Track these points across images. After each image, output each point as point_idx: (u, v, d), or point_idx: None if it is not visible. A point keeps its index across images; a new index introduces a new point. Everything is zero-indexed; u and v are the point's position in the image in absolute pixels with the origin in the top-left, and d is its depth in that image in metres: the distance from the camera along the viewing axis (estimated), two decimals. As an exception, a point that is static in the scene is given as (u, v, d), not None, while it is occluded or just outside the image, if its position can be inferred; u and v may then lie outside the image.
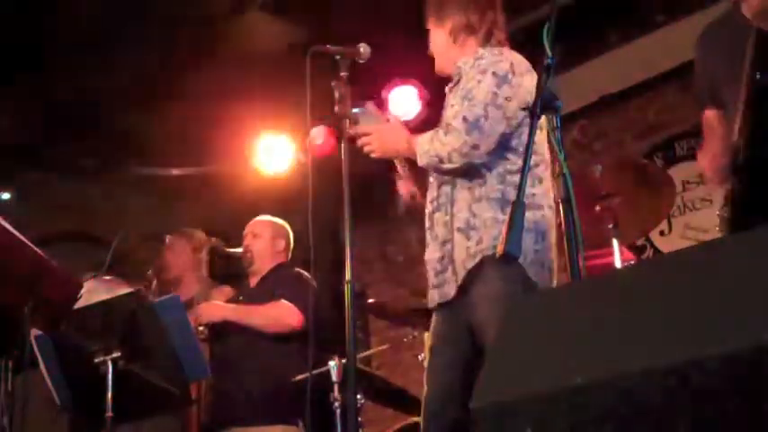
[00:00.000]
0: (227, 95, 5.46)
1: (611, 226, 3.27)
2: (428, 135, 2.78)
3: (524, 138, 2.62)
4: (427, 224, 2.87)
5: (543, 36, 2.07)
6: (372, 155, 2.89)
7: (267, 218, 4.51)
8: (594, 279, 2.06)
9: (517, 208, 1.99)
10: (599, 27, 5.24)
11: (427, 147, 2.75)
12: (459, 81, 2.87)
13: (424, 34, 3.03)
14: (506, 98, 2.71)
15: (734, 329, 1.32)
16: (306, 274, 4.13)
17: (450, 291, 2.74)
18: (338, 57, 2.78)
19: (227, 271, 4.62)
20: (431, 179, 2.90)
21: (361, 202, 2.84)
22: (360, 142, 2.87)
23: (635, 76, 5.29)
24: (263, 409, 4.00)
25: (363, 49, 2.82)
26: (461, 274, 2.71)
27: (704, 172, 2.69)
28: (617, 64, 5.33)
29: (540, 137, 2.73)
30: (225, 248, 4.47)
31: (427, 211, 2.88)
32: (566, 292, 1.89)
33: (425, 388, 2.79)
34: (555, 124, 2.08)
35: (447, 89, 2.96)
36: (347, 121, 2.77)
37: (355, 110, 2.86)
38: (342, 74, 2.76)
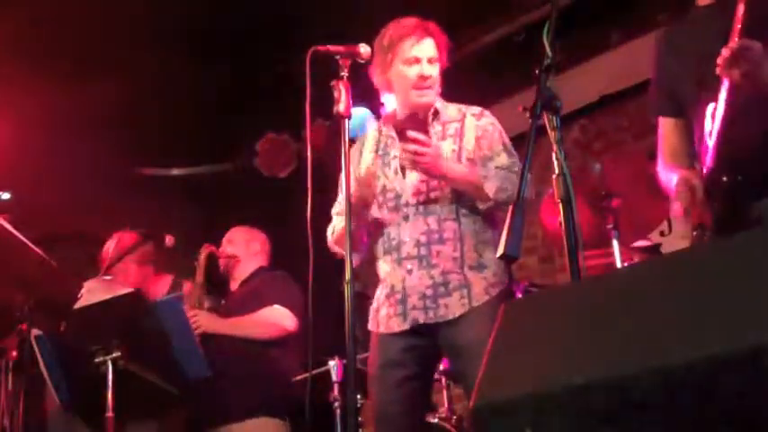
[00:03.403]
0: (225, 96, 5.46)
1: (610, 226, 3.27)
2: (500, 173, 2.85)
3: None
4: (417, 252, 2.90)
5: (543, 35, 2.07)
6: (417, 168, 2.85)
7: (241, 227, 4.53)
8: (594, 279, 2.06)
9: (516, 211, 1.99)
10: (599, 26, 5.23)
11: (506, 185, 2.82)
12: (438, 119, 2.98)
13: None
14: None
15: (733, 330, 1.32)
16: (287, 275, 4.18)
17: (453, 312, 2.83)
18: (338, 57, 2.77)
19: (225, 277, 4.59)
20: (409, 211, 2.92)
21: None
22: (412, 148, 2.78)
23: (635, 75, 5.27)
24: (249, 406, 4.00)
25: (363, 49, 2.82)
26: (479, 298, 2.83)
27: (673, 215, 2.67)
28: (617, 63, 5.32)
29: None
30: (218, 254, 4.46)
31: (414, 238, 2.90)
32: (566, 292, 1.88)
33: (376, 398, 2.93)
34: (555, 124, 2.08)
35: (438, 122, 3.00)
36: (346, 121, 2.74)
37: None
38: (342, 74, 2.76)
